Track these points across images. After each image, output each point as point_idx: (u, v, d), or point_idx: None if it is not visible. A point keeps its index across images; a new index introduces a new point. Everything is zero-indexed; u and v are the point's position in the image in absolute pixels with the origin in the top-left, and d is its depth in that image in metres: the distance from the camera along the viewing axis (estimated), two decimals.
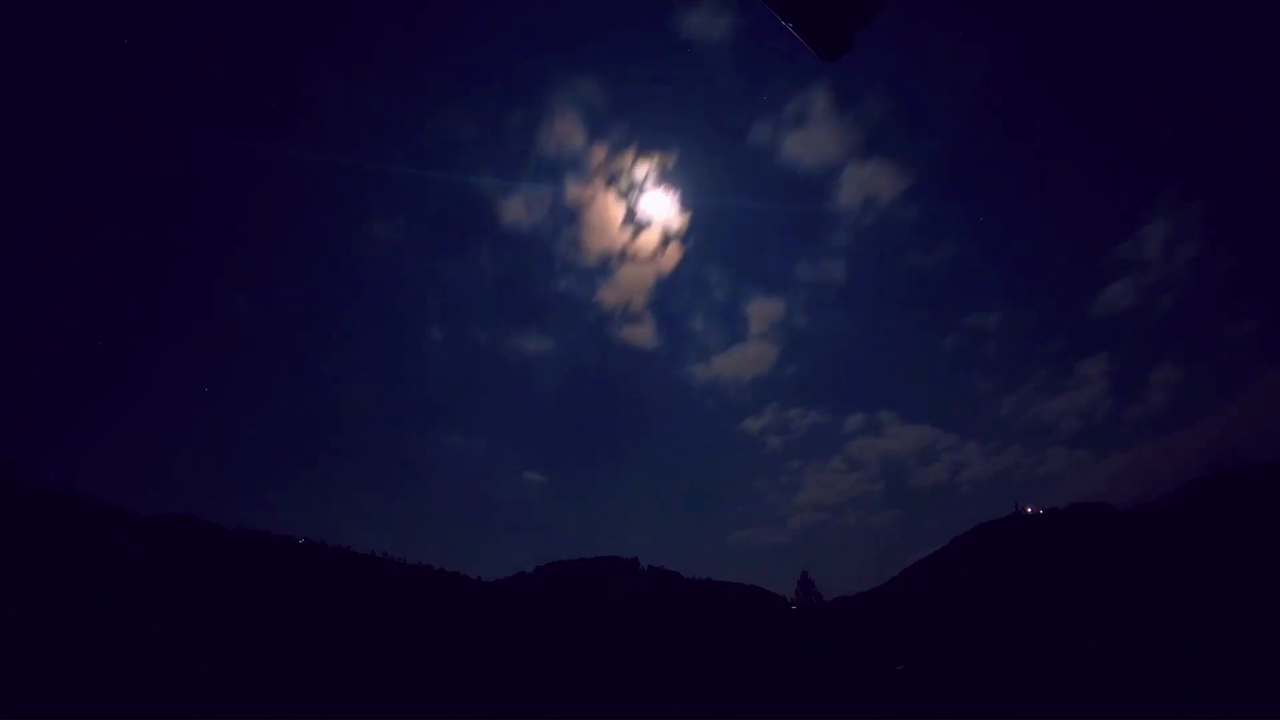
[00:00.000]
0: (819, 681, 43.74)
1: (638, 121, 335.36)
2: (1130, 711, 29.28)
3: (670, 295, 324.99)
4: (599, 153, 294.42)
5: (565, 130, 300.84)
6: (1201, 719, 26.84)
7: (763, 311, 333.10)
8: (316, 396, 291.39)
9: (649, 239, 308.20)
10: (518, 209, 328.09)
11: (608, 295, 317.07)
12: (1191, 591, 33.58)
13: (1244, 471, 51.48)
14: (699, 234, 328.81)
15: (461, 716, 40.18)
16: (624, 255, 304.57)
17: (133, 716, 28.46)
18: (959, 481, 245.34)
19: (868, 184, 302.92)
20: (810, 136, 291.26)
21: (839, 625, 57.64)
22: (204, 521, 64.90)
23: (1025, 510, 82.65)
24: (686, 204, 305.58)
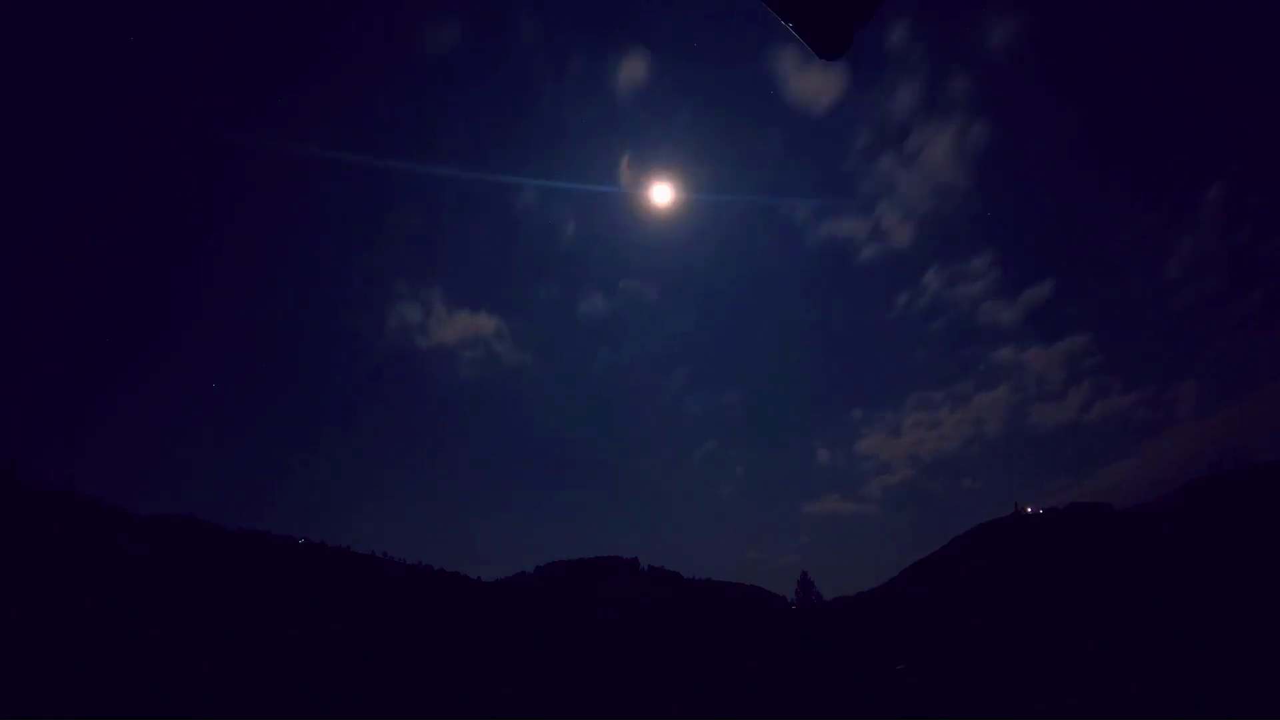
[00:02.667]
0: (819, 681, 43.73)
1: None
2: (1130, 711, 29.28)
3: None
4: None
5: None
6: (1201, 719, 26.84)
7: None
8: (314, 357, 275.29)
9: None
10: None
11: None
12: (1191, 591, 33.56)
13: (1244, 471, 51.35)
14: None
15: (461, 716, 40.15)
16: None
17: (133, 716, 28.45)
18: (1084, 423, 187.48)
19: None
20: None
21: (839, 625, 57.65)
22: (204, 521, 65.20)
23: (1025, 510, 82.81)
24: None
